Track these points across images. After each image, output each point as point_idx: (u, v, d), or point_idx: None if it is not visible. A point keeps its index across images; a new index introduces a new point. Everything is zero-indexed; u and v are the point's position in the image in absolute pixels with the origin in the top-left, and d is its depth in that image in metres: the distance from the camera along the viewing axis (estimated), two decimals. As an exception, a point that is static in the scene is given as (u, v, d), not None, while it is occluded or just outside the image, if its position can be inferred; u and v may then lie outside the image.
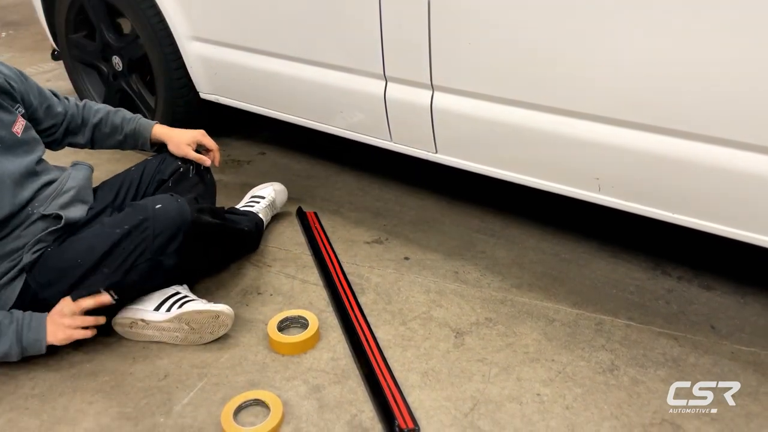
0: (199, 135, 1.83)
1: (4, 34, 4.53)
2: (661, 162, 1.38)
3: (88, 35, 2.67)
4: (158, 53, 2.29)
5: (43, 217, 1.53)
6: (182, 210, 1.48)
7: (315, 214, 2.13)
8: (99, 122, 1.78)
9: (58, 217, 1.54)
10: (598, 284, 1.78)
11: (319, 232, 2.03)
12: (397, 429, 1.29)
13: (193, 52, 2.18)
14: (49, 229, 1.53)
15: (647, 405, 1.37)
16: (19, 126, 1.55)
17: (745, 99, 1.22)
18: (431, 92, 1.68)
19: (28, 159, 1.55)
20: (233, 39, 2.06)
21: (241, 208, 1.99)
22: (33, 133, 1.60)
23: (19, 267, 1.48)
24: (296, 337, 1.55)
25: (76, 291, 1.45)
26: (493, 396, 1.40)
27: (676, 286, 1.76)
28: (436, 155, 1.79)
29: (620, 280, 1.79)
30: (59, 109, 1.72)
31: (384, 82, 1.76)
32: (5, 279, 1.47)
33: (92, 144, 1.81)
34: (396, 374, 1.46)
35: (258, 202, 2.02)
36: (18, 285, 1.48)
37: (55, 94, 1.73)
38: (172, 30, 2.20)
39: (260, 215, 1.97)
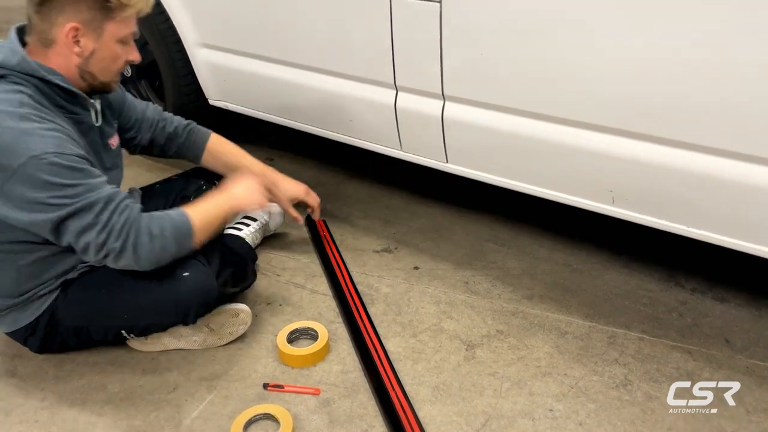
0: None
1: (13, 37, 4.54)
2: (676, 175, 1.36)
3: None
4: (167, 60, 2.29)
5: None
6: (208, 288, 1.48)
7: (324, 221, 2.12)
8: (173, 133, 1.78)
9: None
10: (610, 296, 1.76)
11: (328, 241, 2.02)
12: None
13: (203, 58, 2.17)
14: None
15: (661, 422, 1.35)
16: (115, 140, 1.57)
17: (764, 114, 1.20)
18: (442, 102, 1.66)
19: (118, 177, 1.57)
20: (244, 47, 2.05)
21: (229, 229, 1.92)
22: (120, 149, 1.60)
23: (62, 280, 1.46)
24: (306, 349, 1.53)
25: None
26: (505, 411, 1.39)
27: (690, 298, 1.74)
28: (447, 165, 1.78)
29: (633, 292, 1.77)
30: (139, 113, 1.73)
31: (394, 92, 1.75)
32: (46, 290, 1.45)
33: (162, 152, 1.81)
34: (406, 388, 1.44)
35: (248, 225, 1.95)
36: (49, 299, 1.46)
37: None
38: (182, 37, 2.19)
39: (247, 239, 1.89)
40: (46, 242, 1.37)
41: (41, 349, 1.53)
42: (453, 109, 1.65)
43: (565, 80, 1.43)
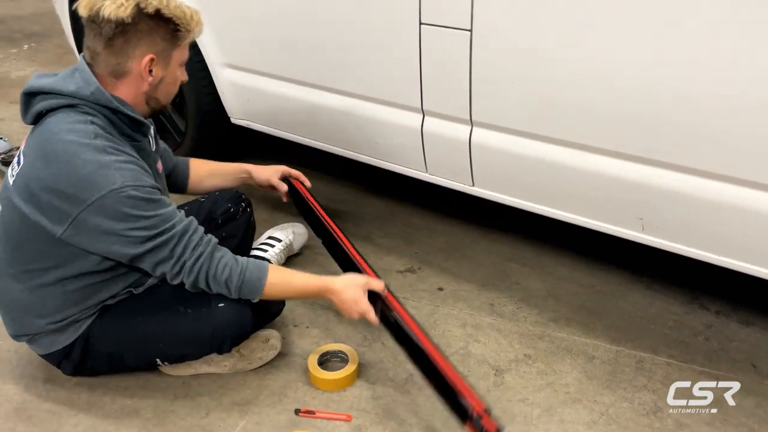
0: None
1: (26, 47, 4.55)
2: (708, 206, 1.37)
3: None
4: (189, 78, 2.29)
5: None
6: (243, 321, 1.49)
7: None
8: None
9: None
10: (636, 319, 1.77)
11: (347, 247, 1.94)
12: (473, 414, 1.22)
13: (226, 78, 2.19)
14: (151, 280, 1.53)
15: (693, 450, 1.37)
16: (161, 165, 1.60)
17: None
18: (470, 128, 1.67)
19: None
20: (269, 68, 2.06)
21: (254, 251, 1.96)
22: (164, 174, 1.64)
23: (101, 306, 1.47)
24: (338, 373, 1.54)
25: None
26: (537, 439, 1.40)
27: (715, 321, 1.75)
28: (473, 188, 1.79)
29: (658, 315, 1.77)
30: (172, 160, 1.79)
31: (421, 116, 1.76)
32: (85, 315, 1.46)
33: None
34: (437, 414, 1.45)
35: (273, 246, 1.98)
36: (86, 323, 1.46)
37: None
38: (205, 56, 2.20)
39: (272, 260, 1.92)
40: (98, 271, 1.40)
41: (74, 372, 1.54)
42: (481, 135, 1.66)
43: (595, 109, 1.44)
